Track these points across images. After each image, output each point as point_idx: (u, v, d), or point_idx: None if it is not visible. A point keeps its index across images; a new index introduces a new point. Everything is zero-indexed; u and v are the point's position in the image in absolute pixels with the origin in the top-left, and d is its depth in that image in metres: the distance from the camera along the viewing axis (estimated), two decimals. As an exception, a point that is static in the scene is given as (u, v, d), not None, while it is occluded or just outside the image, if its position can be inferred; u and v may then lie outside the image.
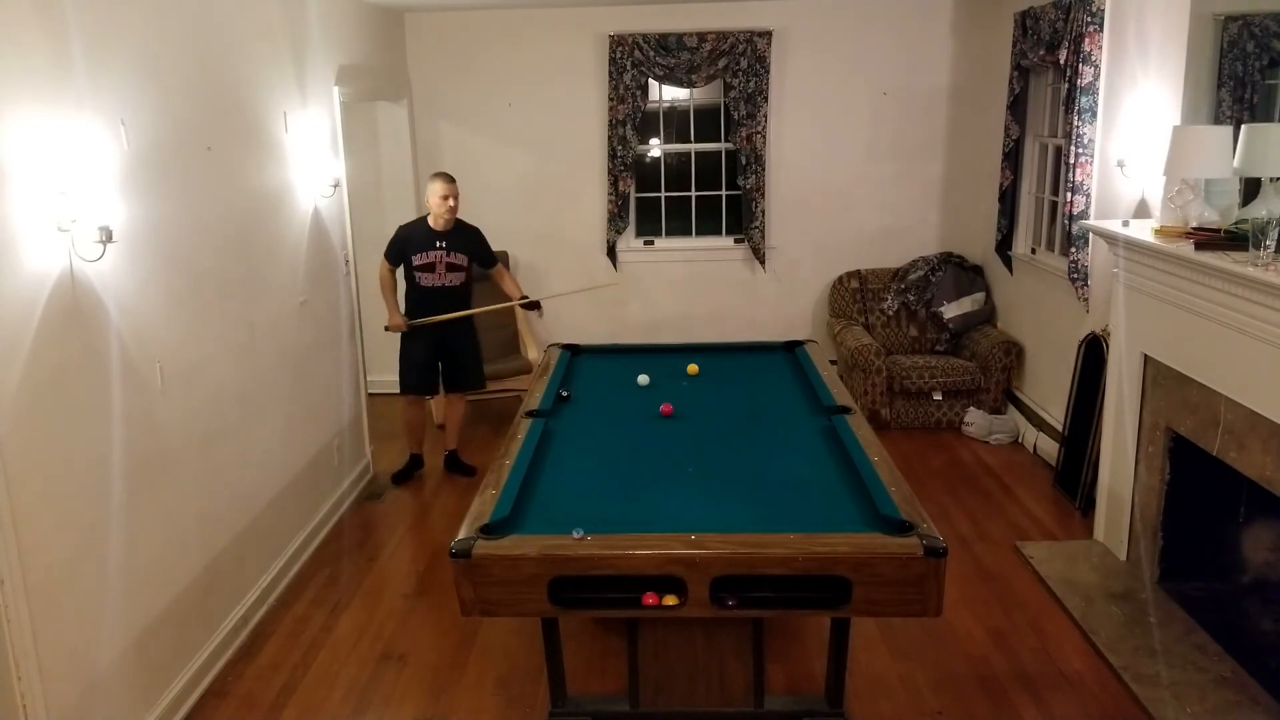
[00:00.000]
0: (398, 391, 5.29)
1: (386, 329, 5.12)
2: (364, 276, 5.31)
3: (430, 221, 5.02)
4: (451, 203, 4.92)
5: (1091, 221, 4.46)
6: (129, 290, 3.03)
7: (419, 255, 5.01)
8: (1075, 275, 4.77)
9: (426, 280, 5.03)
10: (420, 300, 5.08)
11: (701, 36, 6.16)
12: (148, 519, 3.14)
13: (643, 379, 3.98)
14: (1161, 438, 3.83)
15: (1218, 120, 3.92)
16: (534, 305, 5.41)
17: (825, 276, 6.61)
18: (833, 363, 6.00)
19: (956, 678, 3.41)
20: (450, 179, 4.96)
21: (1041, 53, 5.08)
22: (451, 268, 5.05)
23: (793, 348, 4.52)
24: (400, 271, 5.13)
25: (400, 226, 5.14)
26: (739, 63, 6.20)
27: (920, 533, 2.57)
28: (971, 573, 4.14)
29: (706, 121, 6.63)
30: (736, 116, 6.33)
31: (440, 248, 4.99)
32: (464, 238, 5.08)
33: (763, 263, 6.57)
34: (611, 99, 6.29)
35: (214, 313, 3.63)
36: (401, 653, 3.68)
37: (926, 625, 3.65)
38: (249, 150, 3.98)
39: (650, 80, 6.35)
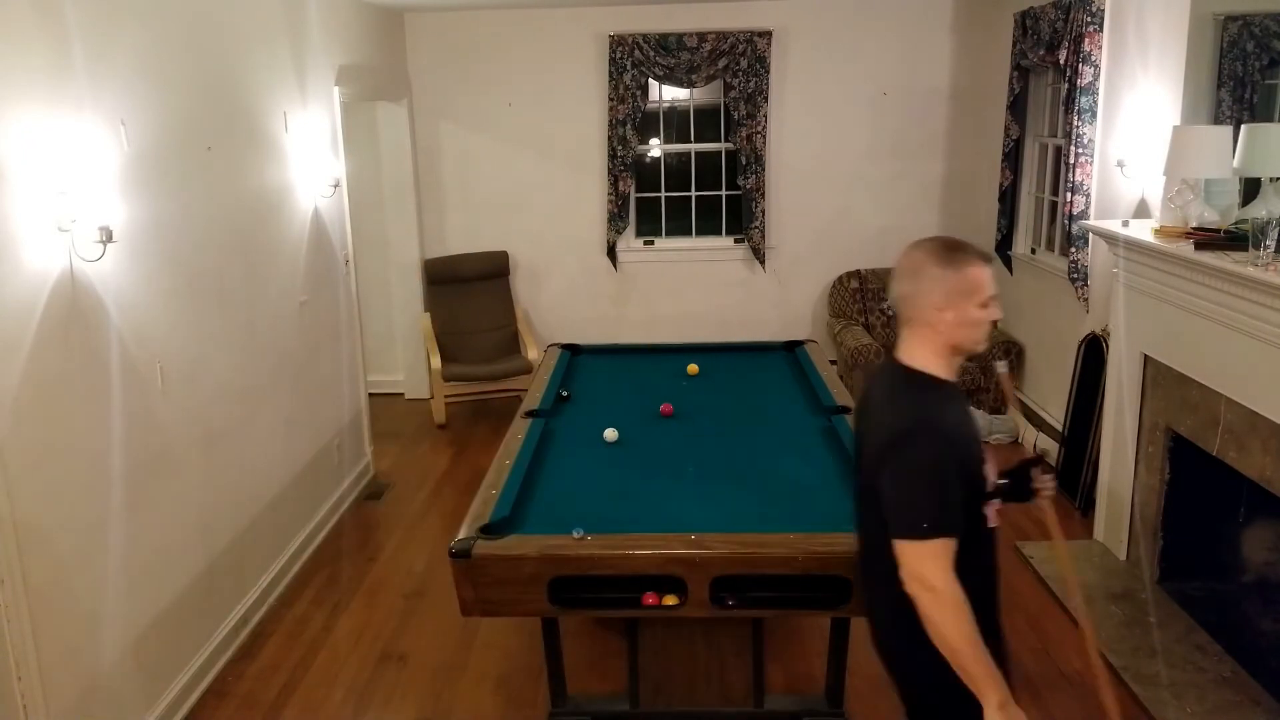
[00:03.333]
0: None
1: None
2: (363, 276, 5.30)
3: (949, 370, 2.10)
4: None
5: (1091, 221, 4.46)
6: (129, 290, 3.03)
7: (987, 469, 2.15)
8: (1075, 275, 4.77)
9: (993, 518, 2.22)
10: (986, 563, 2.20)
11: (701, 36, 6.16)
12: (148, 519, 3.14)
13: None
14: (1161, 438, 3.83)
15: (1218, 120, 3.92)
16: None
17: (825, 276, 6.61)
18: (833, 363, 6.00)
19: (956, 678, 3.41)
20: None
21: (1041, 53, 5.07)
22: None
23: (793, 348, 4.52)
24: None
25: (920, 411, 2.03)
26: (739, 63, 6.20)
27: (920, 533, 2.56)
28: (971, 573, 4.13)
29: (706, 121, 6.62)
30: (736, 116, 6.33)
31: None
32: None
33: (763, 263, 6.56)
34: (611, 99, 6.29)
35: (214, 313, 3.63)
36: (401, 653, 3.68)
37: (926, 625, 3.64)
38: (249, 150, 3.97)
39: (650, 80, 6.34)
